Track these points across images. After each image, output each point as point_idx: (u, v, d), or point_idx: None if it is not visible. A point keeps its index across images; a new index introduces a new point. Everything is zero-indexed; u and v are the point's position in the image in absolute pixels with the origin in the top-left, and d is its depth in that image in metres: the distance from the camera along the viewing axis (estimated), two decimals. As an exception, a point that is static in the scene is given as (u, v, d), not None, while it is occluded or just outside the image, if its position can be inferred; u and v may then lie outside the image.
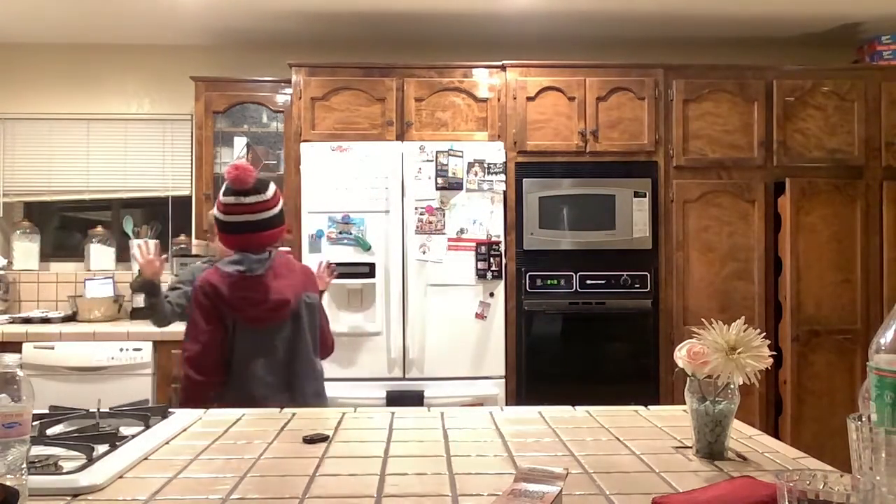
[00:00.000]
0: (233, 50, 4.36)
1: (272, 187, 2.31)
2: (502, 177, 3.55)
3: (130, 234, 4.33)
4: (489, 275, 3.51)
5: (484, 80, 3.75)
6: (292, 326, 2.33)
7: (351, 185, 3.51)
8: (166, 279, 4.22)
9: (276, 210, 2.31)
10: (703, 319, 1.41)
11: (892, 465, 0.91)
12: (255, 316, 2.26)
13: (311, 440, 1.51)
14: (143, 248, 2.94)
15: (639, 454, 1.42)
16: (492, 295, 3.53)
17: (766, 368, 1.36)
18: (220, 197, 2.28)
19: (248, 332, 2.25)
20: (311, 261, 3.46)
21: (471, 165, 3.53)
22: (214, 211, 2.36)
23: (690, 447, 1.44)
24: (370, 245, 3.50)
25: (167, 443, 1.50)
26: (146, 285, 2.90)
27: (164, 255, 3.09)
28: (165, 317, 2.96)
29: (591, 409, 1.82)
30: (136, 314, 4.13)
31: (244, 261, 2.27)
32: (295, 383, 2.32)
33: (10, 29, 4.17)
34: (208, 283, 2.23)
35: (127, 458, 1.33)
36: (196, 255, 4.20)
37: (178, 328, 3.60)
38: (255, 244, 2.28)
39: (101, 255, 4.32)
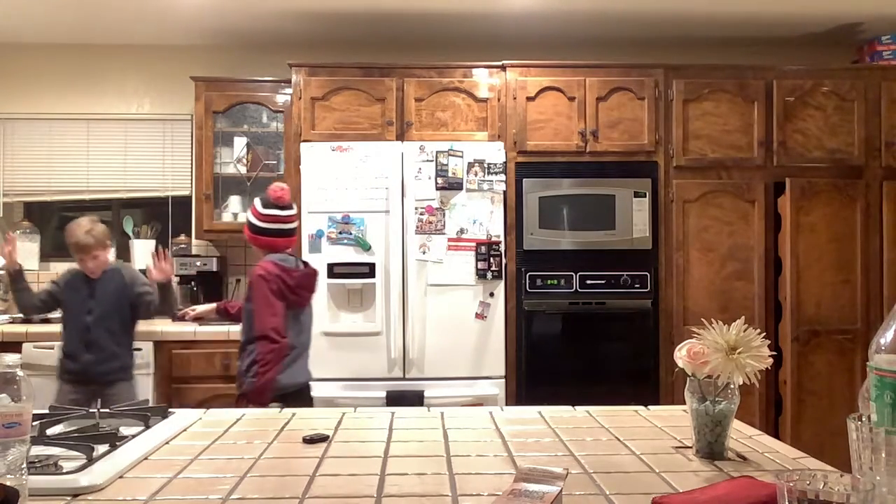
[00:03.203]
0: (233, 50, 4.36)
1: (294, 206, 3.01)
2: (502, 177, 3.55)
3: (130, 234, 4.33)
4: (489, 275, 3.51)
5: (484, 80, 3.75)
6: (308, 311, 3.04)
7: (351, 185, 3.51)
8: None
9: (297, 223, 3.04)
10: (703, 319, 1.41)
11: (892, 465, 0.91)
12: (305, 302, 2.99)
13: (311, 440, 1.51)
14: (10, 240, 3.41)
15: (639, 454, 1.42)
16: (492, 295, 3.53)
17: (766, 368, 1.36)
18: (261, 209, 2.92)
19: (290, 312, 2.90)
20: (311, 261, 3.47)
21: (471, 165, 3.53)
22: (252, 219, 2.94)
23: (690, 447, 1.44)
24: (370, 245, 3.50)
25: (167, 443, 1.50)
26: (9, 275, 3.38)
27: (9, 248, 3.40)
28: (26, 306, 3.41)
29: (591, 409, 1.82)
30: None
31: (289, 260, 2.93)
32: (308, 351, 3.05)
33: (10, 29, 4.17)
34: (276, 274, 2.83)
35: (127, 458, 1.33)
36: (196, 255, 4.20)
37: (178, 328, 3.63)
38: (281, 247, 2.94)
39: (101, 255, 4.31)
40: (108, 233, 3.43)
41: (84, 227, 3.30)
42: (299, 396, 2.88)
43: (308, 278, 3.00)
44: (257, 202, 2.98)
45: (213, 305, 3.62)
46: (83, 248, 3.29)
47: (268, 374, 2.76)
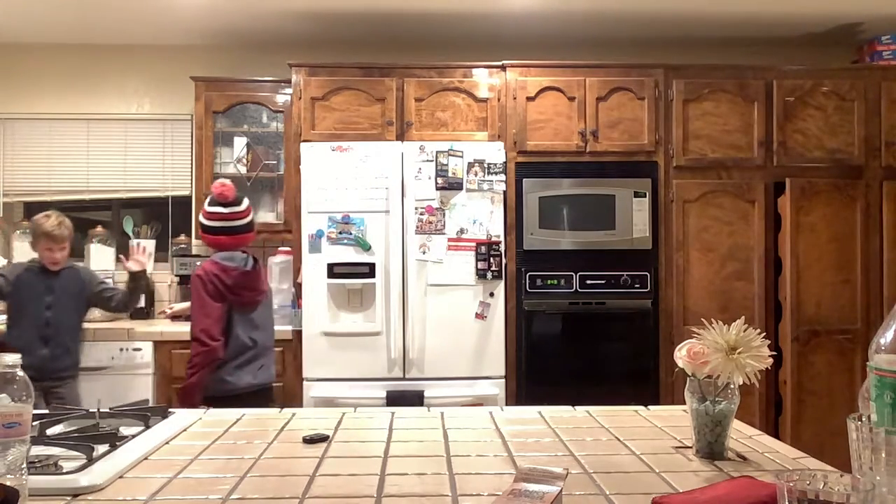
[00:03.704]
0: (233, 50, 4.36)
1: (245, 202, 2.99)
2: (502, 177, 3.55)
3: (130, 234, 4.33)
4: (489, 275, 3.51)
5: (484, 80, 3.75)
6: (264, 310, 3.05)
7: (351, 185, 3.50)
8: (164, 278, 4.24)
9: (247, 220, 2.98)
10: (703, 319, 1.41)
11: (892, 465, 0.91)
12: (249, 300, 2.93)
13: (311, 440, 1.51)
14: None
15: (639, 454, 1.42)
16: (492, 295, 3.53)
17: (766, 368, 1.36)
18: (208, 207, 2.94)
19: (238, 311, 2.89)
20: (310, 261, 3.47)
21: (471, 165, 3.53)
22: (200, 218, 2.99)
23: (690, 447, 1.44)
24: (370, 245, 3.50)
25: (167, 443, 1.50)
26: None
27: None
28: None
29: (591, 409, 1.82)
30: (136, 313, 4.14)
31: (235, 258, 2.90)
32: (271, 351, 3.09)
33: (10, 29, 4.17)
34: (214, 273, 2.80)
35: (127, 458, 1.33)
36: (196, 255, 4.20)
37: (178, 328, 3.63)
38: (228, 245, 2.92)
39: (101, 255, 4.31)
40: (72, 226, 3.47)
41: (55, 219, 3.32)
42: (260, 397, 2.84)
43: (248, 277, 2.92)
44: (207, 200, 2.97)
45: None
46: (56, 239, 3.30)
47: (193, 377, 2.75)
